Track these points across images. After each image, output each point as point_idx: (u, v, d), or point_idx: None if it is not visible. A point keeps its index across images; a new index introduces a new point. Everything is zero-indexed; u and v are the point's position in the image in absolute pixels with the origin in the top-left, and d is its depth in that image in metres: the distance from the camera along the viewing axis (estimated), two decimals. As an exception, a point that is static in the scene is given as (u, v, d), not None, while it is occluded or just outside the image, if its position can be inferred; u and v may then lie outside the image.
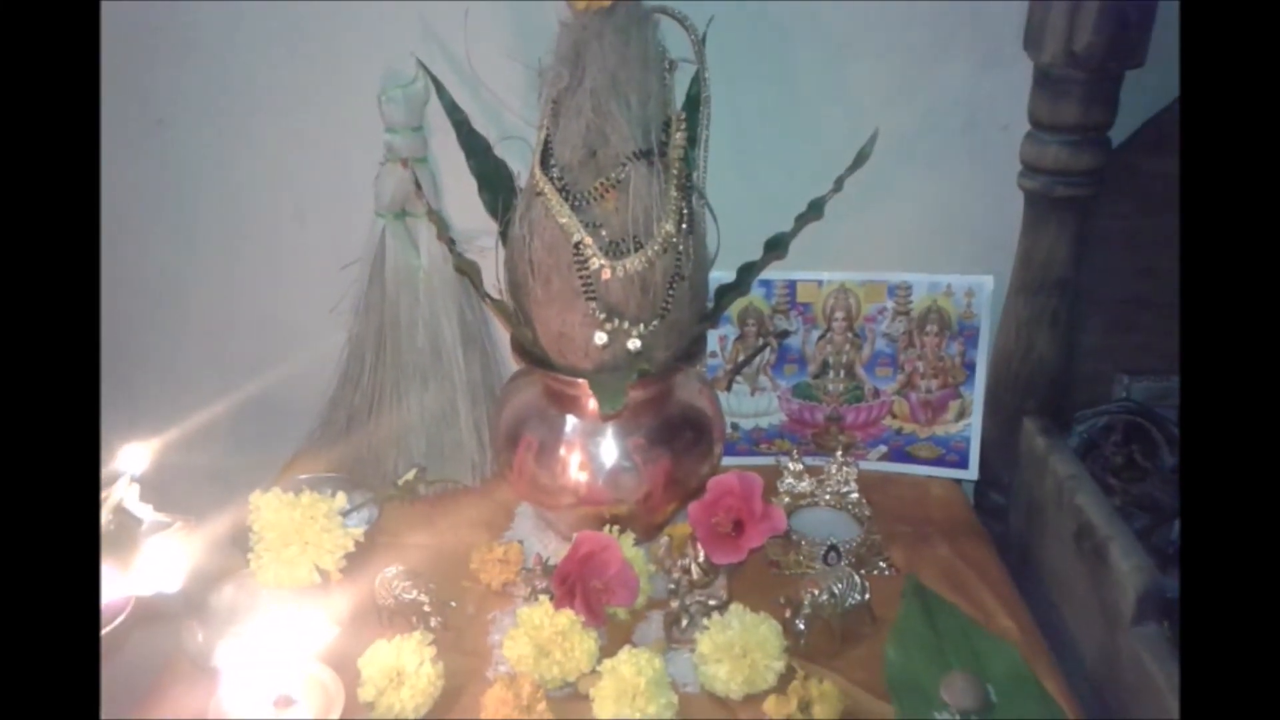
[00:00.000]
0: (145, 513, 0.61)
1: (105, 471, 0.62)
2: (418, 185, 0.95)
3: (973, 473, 1.16)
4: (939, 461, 1.17)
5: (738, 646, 0.85)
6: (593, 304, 0.89)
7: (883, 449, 1.17)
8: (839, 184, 0.94)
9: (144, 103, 1.10)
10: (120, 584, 0.58)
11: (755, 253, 0.99)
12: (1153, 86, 1.00)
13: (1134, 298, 1.09)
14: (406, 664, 0.82)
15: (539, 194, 0.90)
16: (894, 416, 1.17)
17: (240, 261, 1.16)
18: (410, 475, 1.05)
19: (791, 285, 1.14)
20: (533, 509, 1.06)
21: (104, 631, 0.59)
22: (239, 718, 0.65)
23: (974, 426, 1.15)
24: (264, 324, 1.17)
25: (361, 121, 1.06)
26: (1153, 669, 0.82)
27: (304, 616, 0.70)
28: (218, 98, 1.10)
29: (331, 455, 1.09)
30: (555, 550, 0.98)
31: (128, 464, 0.62)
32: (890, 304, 1.14)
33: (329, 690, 0.68)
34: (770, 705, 0.84)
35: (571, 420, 0.97)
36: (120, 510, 0.62)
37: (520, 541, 1.01)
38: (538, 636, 0.85)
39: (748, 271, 0.99)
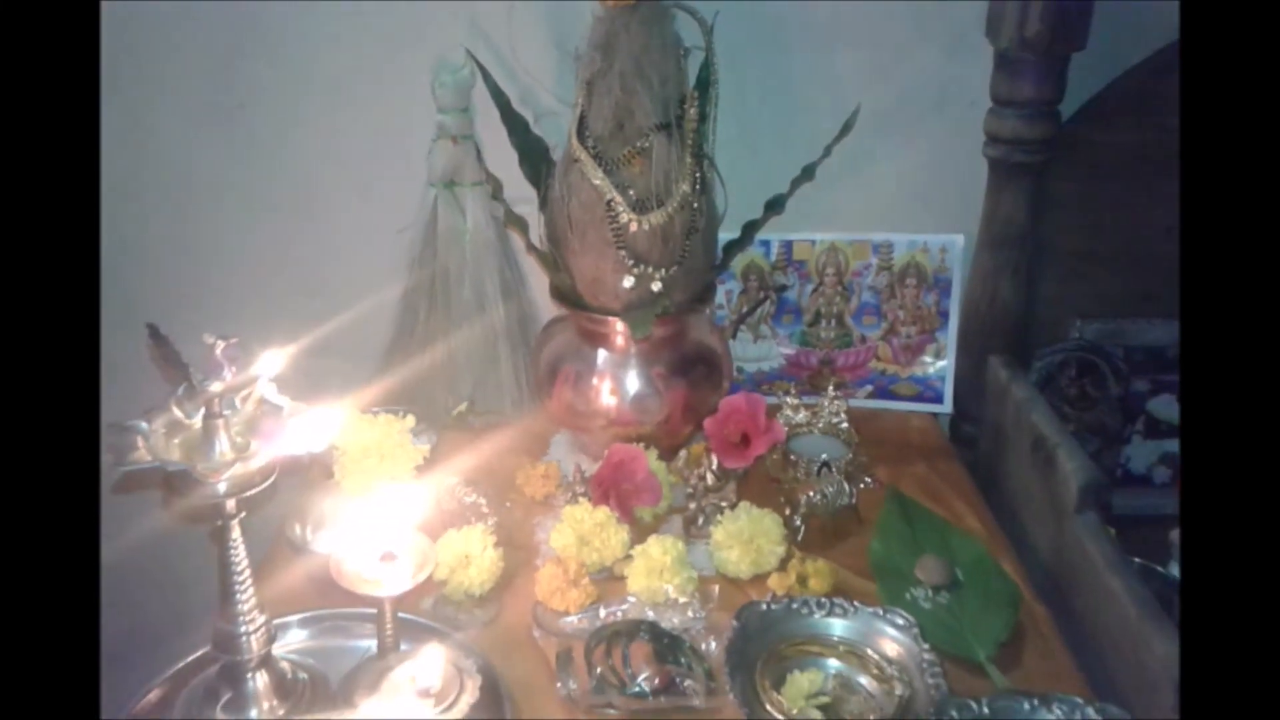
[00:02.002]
0: (284, 402, 0.77)
1: (247, 374, 0.78)
2: (479, 155, 1.11)
3: (947, 407, 1.31)
4: (918, 398, 1.32)
5: (746, 534, 1.01)
6: (622, 252, 1.05)
7: (869, 388, 1.32)
8: (828, 150, 1.10)
9: (227, 89, 1.23)
10: (270, 449, 0.74)
11: (757, 212, 1.14)
12: (1094, 67, 1.15)
13: (1084, 250, 1.23)
14: (473, 549, 0.98)
15: (576, 161, 1.05)
16: (878, 359, 1.32)
17: (310, 226, 1.29)
18: (463, 407, 1.21)
19: (788, 245, 1.29)
20: (566, 437, 1.22)
21: (254, 491, 0.75)
22: (353, 569, 0.81)
23: (948, 366, 1.30)
24: (330, 280, 1.30)
25: (416, 104, 1.19)
26: (1091, 548, 0.98)
27: (392, 502, 0.85)
28: (291, 85, 1.23)
29: (390, 393, 1.25)
30: (588, 469, 1.14)
31: (265, 367, 0.77)
32: (874, 260, 1.29)
33: (424, 551, 0.84)
34: (773, 580, 1.00)
35: (603, 353, 1.12)
36: (262, 401, 0.78)
37: (557, 462, 1.18)
38: (579, 528, 1.01)
39: (751, 228, 1.14)
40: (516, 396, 1.26)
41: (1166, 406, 1.29)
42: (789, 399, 1.23)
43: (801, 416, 1.23)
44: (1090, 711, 0.79)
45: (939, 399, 1.32)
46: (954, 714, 0.79)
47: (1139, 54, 1.17)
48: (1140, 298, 1.25)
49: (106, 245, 1.24)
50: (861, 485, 1.15)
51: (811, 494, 1.08)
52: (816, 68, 1.23)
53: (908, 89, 1.24)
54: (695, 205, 1.07)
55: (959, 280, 1.28)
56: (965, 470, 1.22)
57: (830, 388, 1.25)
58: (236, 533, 0.77)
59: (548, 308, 1.25)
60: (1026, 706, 0.80)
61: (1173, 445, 1.29)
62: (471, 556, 0.98)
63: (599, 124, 1.04)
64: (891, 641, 0.90)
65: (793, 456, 1.17)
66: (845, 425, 1.22)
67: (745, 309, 1.31)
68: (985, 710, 0.80)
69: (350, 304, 1.25)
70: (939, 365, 1.31)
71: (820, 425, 1.23)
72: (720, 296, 1.30)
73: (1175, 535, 1.14)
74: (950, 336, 1.30)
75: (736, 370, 1.29)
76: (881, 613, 0.92)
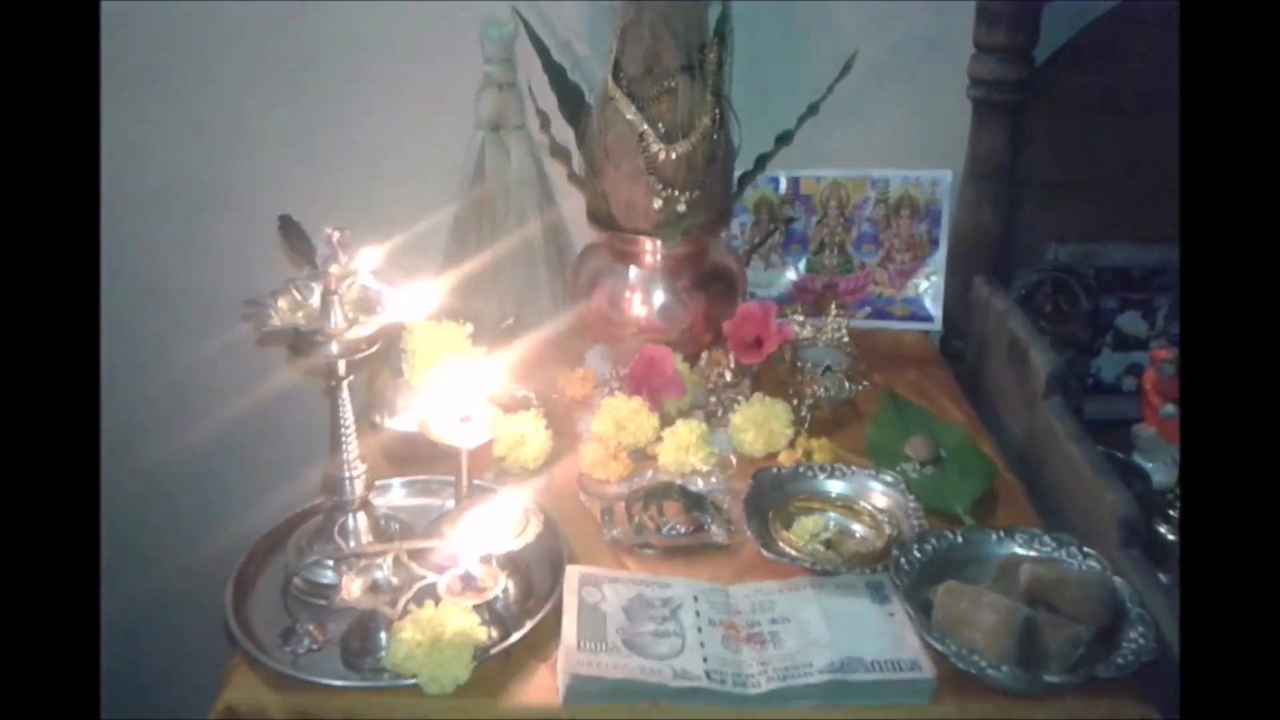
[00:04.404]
0: (382, 287, 0.94)
1: (346, 268, 0.94)
2: (531, 93, 1.27)
3: (937, 325, 1.46)
4: (911, 318, 1.47)
5: (760, 418, 1.18)
6: (652, 178, 1.21)
7: (867, 309, 1.47)
8: (830, 89, 1.24)
9: (296, 46, 1.39)
10: (380, 318, 0.90)
11: (768, 147, 1.28)
12: (1064, 17, 1.30)
13: (1057, 182, 1.38)
14: (527, 430, 1.15)
15: (611, 99, 1.21)
16: (876, 284, 1.47)
17: (371, 166, 1.44)
18: (509, 322, 1.38)
19: (795, 181, 1.44)
20: (600, 350, 1.38)
21: (361, 355, 0.91)
22: (438, 429, 0.97)
23: (938, 288, 1.46)
24: (389, 213, 1.43)
25: (464, 56, 1.33)
26: (1056, 425, 1.14)
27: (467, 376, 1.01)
28: (352, 42, 1.39)
29: (442, 311, 1.40)
30: (623, 371, 1.30)
31: (365, 260, 0.94)
32: (872, 194, 1.44)
33: (494, 415, 1.00)
34: (783, 457, 1.17)
35: (634, 270, 1.28)
36: (363, 288, 0.94)
37: (593, 368, 1.34)
38: (617, 415, 1.17)
39: (762, 159, 1.29)
40: (553, 314, 1.42)
41: (1132, 322, 1.45)
42: (796, 318, 1.38)
43: (808, 332, 1.38)
44: (1046, 539, 0.95)
45: (930, 318, 1.47)
46: (933, 541, 0.95)
47: (1103, 6, 1.32)
48: (1108, 224, 1.40)
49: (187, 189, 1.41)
50: (860, 387, 1.31)
51: (817, 388, 1.24)
52: (819, 20, 1.39)
53: (902, 39, 1.39)
54: (715, 137, 1.22)
55: (947, 211, 1.43)
56: (952, 377, 1.38)
57: (833, 308, 1.39)
58: (345, 393, 0.94)
59: (581, 236, 1.42)
60: (994, 537, 0.97)
61: (1138, 357, 1.45)
62: (526, 436, 1.14)
63: (632, 67, 1.20)
64: (881, 495, 1.07)
65: (799, 363, 1.33)
66: (846, 339, 1.37)
67: (757, 239, 1.47)
68: (959, 539, 0.96)
69: (405, 232, 1.38)
70: (930, 288, 1.46)
71: (824, 339, 1.38)
72: (735, 228, 1.46)
73: (1136, 428, 1.31)
74: (940, 262, 1.45)
75: (749, 294, 1.45)
76: (874, 473, 1.08)
